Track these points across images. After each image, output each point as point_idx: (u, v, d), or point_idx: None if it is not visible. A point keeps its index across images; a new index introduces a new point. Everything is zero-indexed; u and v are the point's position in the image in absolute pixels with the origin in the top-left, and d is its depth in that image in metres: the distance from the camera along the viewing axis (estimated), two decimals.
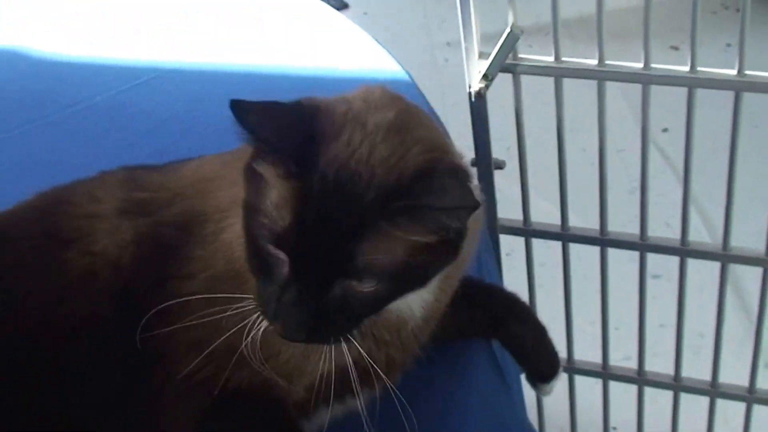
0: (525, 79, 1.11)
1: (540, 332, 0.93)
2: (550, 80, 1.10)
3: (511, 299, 0.93)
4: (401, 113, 0.70)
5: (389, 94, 0.73)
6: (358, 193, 0.64)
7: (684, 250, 1.17)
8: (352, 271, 0.64)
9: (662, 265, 1.54)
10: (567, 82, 1.10)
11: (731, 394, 1.28)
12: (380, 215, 0.64)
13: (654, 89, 1.08)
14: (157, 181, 0.81)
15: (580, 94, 1.15)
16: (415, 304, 0.75)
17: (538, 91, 1.20)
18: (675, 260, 1.19)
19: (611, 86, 1.10)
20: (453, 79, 1.12)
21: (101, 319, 0.77)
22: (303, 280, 0.65)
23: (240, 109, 0.66)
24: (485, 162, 1.16)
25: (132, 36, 1.29)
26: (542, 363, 0.93)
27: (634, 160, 1.19)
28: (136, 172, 0.84)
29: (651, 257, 1.20)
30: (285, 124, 0.67)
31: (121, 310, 0.76)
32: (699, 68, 1.04)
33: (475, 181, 0.74)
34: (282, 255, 0.65)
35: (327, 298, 0.65)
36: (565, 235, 1.20)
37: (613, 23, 1.08)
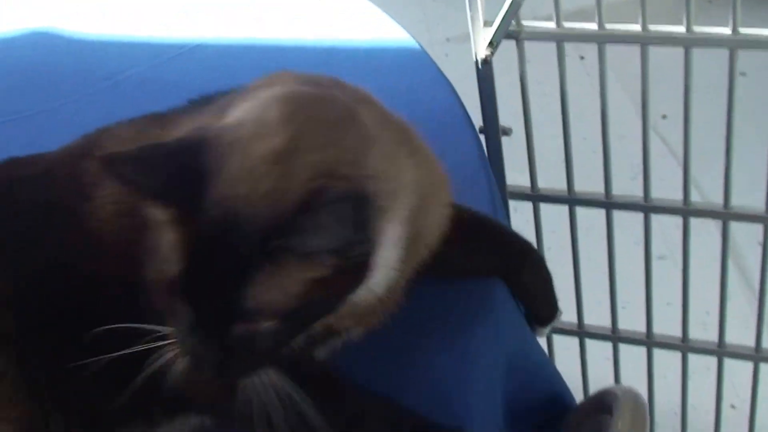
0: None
1: (548, 282, 0.96)
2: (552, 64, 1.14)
3: (527, 248, 0.96)
4: (294, 135, 0.65)
5: (289, 109, 0.68)
6: (240, 235, 0.62)
7: (687, 210, 1.21)
8: (243, 315, 0.63)
9: (667, 247, 1.59)
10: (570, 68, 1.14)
11: (738, 354, 1.31)
12: (264, 256, 0.62)
13: (652, 76, 1.12)
14: None
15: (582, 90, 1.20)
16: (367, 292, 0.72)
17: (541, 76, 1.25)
18: (679, 242, 1.23)
19: (610, 77, 1.14)
20: (453, 72, 1.17)
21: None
22: (203, 324, 0.65)
23: (113, 164, 0.64)
24: (493, 129, 1.21)
25: (163, 11, 1.33)
26: (544, 309, 0.97)
27: (635, 146, 1.23)
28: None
29: (655, 239, 1.24)
30: (168, 167, 0.64)
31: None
32: (695, 28, 1.09)
33: (385, 202, 0.68)
34: (180, 301, 0.64)
35: (229, 339, 0.64)
36: (571, 199, 1.25)
37: None
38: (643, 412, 0.82)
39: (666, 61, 1.18)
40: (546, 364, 1.01)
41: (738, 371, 1.40)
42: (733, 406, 1.53)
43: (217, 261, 0.62)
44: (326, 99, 0.71)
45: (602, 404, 0.85)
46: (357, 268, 0.66)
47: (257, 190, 0.62)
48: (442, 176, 0.80)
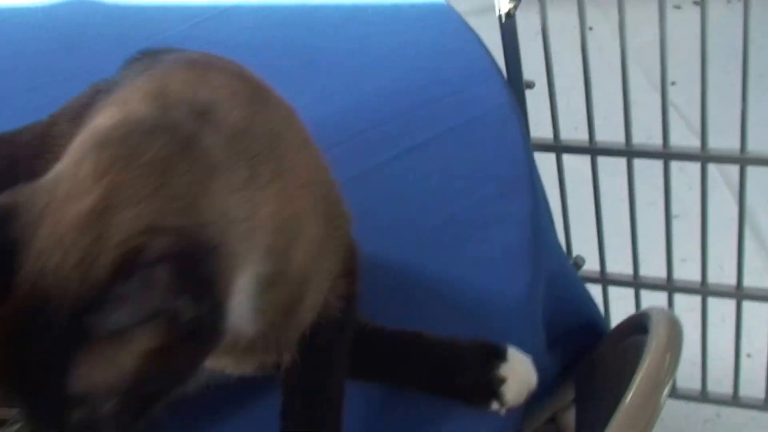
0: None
1: None
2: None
3: None
4: (107, 190, 0.56)
5: (105, 156, 0.58)
6: (51, 314, 0.54)
7: (705, 156, 1.26)
8: (75, 401, 0.56)
9: (682, 206, 1.64)
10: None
11: (757, 296, 1.36)
12: (79, 335, 0.54)
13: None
14: None
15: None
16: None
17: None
18: (691, 201, 1.27)
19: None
20: None
21: None
22: (38, 414, 0.58)
23: None
24: (517, 82, 1.25)
25: None
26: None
27: (647, 112, 1.28)
28: None
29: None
30: None
31: None
32: None
33: (234, 247, 0.59)
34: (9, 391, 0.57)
35: (70, 427, 0.57)
36: (593, 149, 1.29)
37: None
38: (679, 329, 0.86)
39: (672, 29, 1.23)
40: (582, 290, 1.05)
41: (752, 320, 1.44)
42: (749, 355, 1.57)
43: (34, 345, 0.55)
44: (158, 128, 0.60)
45: (638, 325, 0.89)
46: (201, 331, 0.58)
47: (67, 260, 0.54)
48: (328, 193, 0.71)
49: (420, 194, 0.97)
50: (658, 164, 1.29)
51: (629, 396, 0.77)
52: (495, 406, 0.79)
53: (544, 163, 1.33)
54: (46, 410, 0.57)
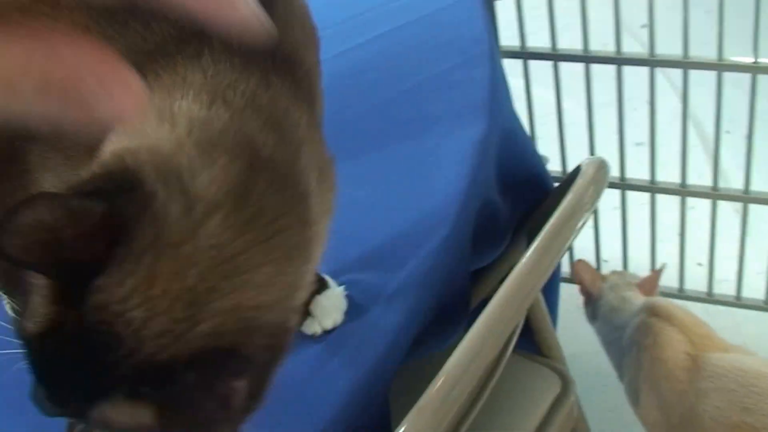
0: None
1: None
2: None
3: None
4: (207, 273, 0.54)
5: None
6: (111, 359, 0.52)
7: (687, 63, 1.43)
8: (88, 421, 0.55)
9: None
10: None
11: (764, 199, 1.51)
12: (129, 392, 0.53)
13: None
14: None
15: None
16: None
17: None
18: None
19: None
20: None
21: None
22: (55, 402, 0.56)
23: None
24: None
25: None
26: None
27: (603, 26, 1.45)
28: None
29: None
30: (72, 232, 0.50)
31: None
32: None
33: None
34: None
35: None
36: (556, 55, 1.48)
37: None
38: (605, 170, 1.05)
39: None
40: (532, 150, 1.24)
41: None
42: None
43: (78, 363, 0.53)
44: None
45: (575, 172, 1.07)
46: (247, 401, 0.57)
47: (150, 326, 0.52)
48: None
49: (394, 65, 1.15)
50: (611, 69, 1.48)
51: (551, 219, 0.94)
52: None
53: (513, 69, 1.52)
54: (64, 408, 0.56)
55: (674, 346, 1.20)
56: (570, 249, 1.67)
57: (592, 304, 1.39)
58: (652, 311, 1.25)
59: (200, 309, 0.53)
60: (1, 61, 0.30)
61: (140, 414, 0.54)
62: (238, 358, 0.55)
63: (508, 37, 1.50)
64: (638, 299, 1.32)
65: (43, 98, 0.31)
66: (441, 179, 1.01)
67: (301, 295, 0.60)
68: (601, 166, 1.06)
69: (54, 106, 0.31)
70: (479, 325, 0.86)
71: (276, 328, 0.57)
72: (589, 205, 1.02)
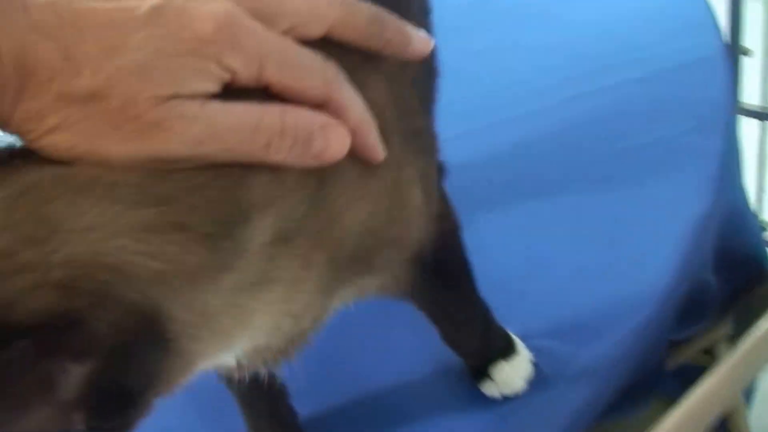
0: None
1: None
2: None
3: None
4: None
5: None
6: None
7: None
8: None
9: None
10: None
11: None
12: None
13: None
14: None
15: None
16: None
17: None
18: None
19: None
20: None
21: None
22: None
23: None
24: (734, 47, 1.33)
25: None
26: None
27: None
28: None
29: None
30: None
31: None
32: None
33: None
34: None
35: None
36: None
37: None
38: None
39: None
40: (753, 224, 1.14)
41: None
42: None
43: None
44: None
45: None
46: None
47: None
48: None
49: (623, 120, 1.09)
50: None
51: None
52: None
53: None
54: None
55: None
56: None
57: None
58: None
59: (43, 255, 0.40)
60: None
61: None
62: (80, 334, 0.40)
63: (749, 95, 1.39)
64: None
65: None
66: (653, 253, 0.95)
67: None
68: None
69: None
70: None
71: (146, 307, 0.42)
72: None
